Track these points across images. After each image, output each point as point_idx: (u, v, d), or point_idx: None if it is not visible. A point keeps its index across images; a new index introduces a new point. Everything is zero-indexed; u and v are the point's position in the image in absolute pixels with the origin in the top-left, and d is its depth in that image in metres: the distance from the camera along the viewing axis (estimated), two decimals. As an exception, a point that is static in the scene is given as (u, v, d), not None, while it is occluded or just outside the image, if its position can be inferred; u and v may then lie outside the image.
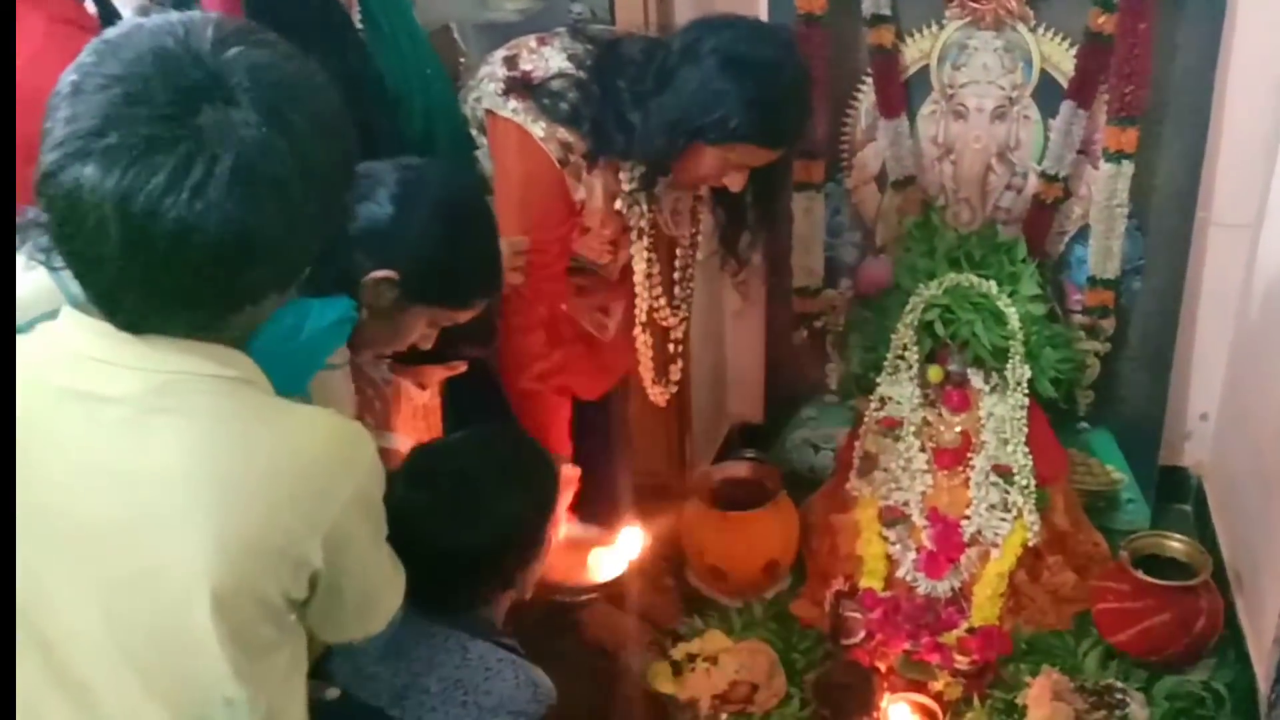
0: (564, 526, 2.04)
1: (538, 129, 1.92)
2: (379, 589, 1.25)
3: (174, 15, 1.02)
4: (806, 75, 1.97)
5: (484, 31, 2.50)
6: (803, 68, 1.97)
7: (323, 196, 1.05)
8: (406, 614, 1.36)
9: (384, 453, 1.43)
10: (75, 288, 1.12)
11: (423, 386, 1.74)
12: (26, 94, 1.07)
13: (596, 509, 2.14)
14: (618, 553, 2.12)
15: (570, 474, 2.04)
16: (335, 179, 1.08)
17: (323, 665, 1.40)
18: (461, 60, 2.42)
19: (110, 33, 1.02)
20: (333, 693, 1.41)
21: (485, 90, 1.95)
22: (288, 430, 1.10)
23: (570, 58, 1.96)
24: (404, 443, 1.68)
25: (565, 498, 2.04)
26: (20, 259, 1.17)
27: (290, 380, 1.32)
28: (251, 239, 0.99)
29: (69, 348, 1.06)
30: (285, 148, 0.99)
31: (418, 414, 1.74)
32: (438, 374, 1.69)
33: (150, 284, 1.00)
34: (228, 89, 0.98)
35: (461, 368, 1.69)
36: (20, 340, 1.09)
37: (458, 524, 1.51)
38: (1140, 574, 2.34)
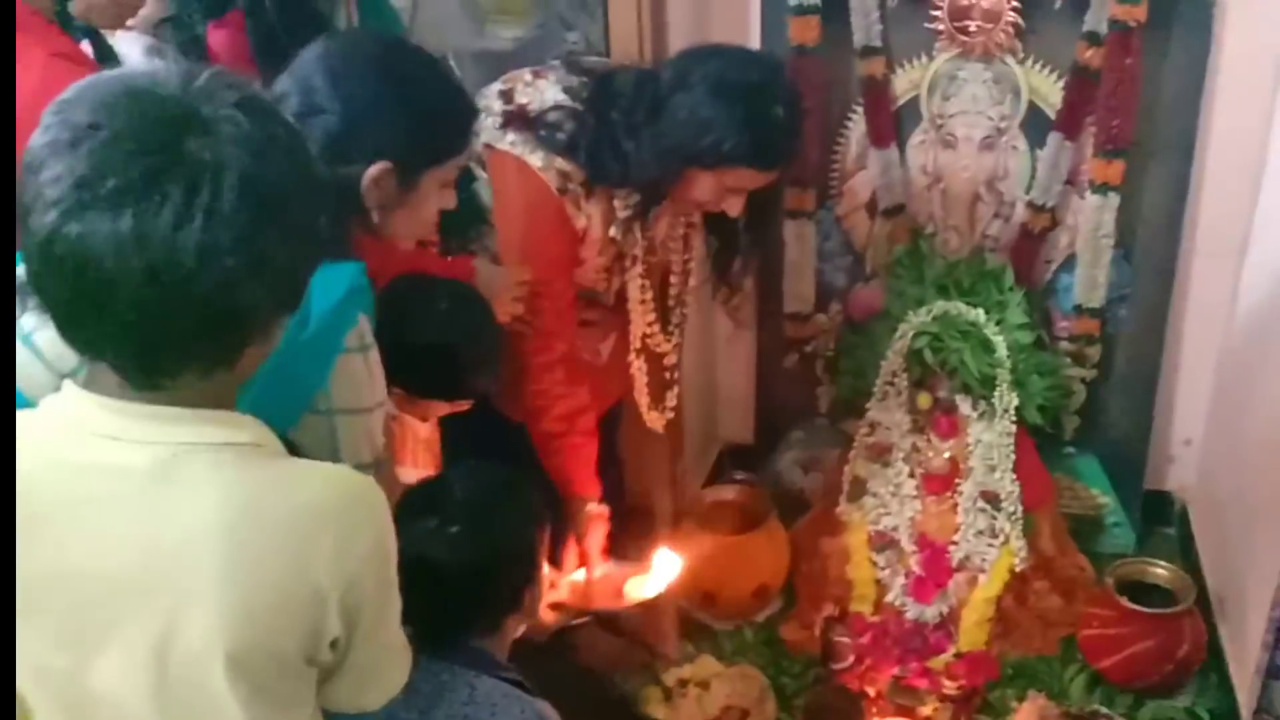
0: (599, 566, 2.05)
1: (536, 159, 1.95)
2: (386, 659, 1.23)
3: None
4: (795, 96, 2.00)
5: (480, 60, 2.54)
6: (791, 89, 2.00)
7: (313, 206, 1.06)
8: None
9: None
10: None
11: (424, 419, 1.76)
12: (29, 127, 1.07)
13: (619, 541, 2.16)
14: (655, 575, 2.12)
15: (599, 512, 2.06)
16: (320, 189, 1.09)
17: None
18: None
19: (64, 94, 1.00)
20: None
21: (483, 125, 1.97)
22: (302, 490, 1.09)
23: (565, 90, 1.99)
24: (410, 475, 1.69)
25: (596, 537, 2.06)
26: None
27: (310, 373, 1.30)
28: (261, 255, 0.99)
29: (76, 423, 1.05)
30: (278, 160, 1.00)
31: (419, 447, 1.76)
32: (441, 409, 1.70)
33: (168, 321, 0.98)
34: (204, 118, 0.98)
35: (465, 405, 1.70)
36: (31, 414, 1.08)
37: (468, 545, 1.52)
38: (1125, 601, 2.37)
